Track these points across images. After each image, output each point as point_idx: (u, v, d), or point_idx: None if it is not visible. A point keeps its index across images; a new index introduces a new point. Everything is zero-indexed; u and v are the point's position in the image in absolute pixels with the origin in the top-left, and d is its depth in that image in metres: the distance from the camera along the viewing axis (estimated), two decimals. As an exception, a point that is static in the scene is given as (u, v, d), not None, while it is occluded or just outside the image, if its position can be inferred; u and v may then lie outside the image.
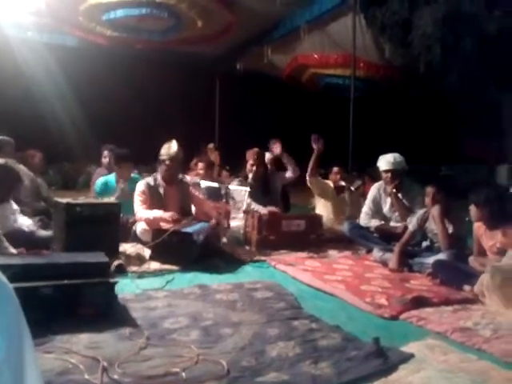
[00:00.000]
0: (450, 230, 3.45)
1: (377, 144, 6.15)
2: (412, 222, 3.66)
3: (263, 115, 11.65)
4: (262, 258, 3.84)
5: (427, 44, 6.54)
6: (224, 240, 4.08)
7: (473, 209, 3.16)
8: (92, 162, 8.84)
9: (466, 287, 2.90)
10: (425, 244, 3.74)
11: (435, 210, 3.47)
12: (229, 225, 4.30)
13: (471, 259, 3.22)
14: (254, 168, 4.62)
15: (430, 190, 3.57)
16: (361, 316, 2.53)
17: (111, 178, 4.69)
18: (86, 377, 1.66)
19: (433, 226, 3.58)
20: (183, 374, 1.70)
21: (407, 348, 2.03)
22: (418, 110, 10.96)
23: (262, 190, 4.60)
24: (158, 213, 3.86)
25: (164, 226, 3.72)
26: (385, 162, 4.15)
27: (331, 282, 3.10)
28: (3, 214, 3.40)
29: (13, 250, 2.90)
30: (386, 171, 4.15)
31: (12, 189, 3.44)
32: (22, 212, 3.96)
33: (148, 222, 3.86)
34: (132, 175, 4.70)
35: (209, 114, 9.92)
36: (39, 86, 8.32)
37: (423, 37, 6.50)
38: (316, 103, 11.32)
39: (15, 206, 3.68)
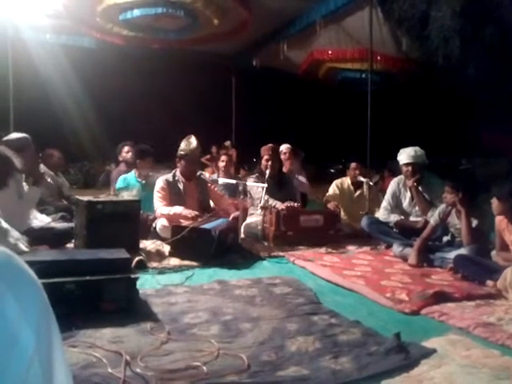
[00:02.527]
0: (474, 224, 3.40)
1: (395, 138, 6.08)
2: (434, 217, 3.61)
3: (280, 111, 11.63)
4: (281, 253, 3.84)
5: (445, 36, 6.43)
6: (242, 236, 4.09)
7: (495, 202, 3.10)
8: (111, 160, 8.97)
9: (489, 282, 2.85)
10: (446, 239, 3.69)
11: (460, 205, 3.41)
12: (243, 220, 4.31)
13: (494, 254, 3.16)
14: (269, 163, 4.63)
15: (449, 189, 3.49)
16: (381, 311, 2.51)
17: (131, 175, 4.76)
18: (110, 370, 1.69)
19: (456, 220, 3.53)
20: (204, 368, 1.72)
21: (429, 343, 2.00)
22: (437, 102, 10.79)
23: (278, 186, 4.61)
24: (177, 209, 3.91)
25: (183, 222, 3.76)
26: (405, 155, 4.10)
27: (350, 278, 3.08)
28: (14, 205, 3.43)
29: (23, 247, 2.94)
30: (407, 165, 4.09)
31: (8, 175, 3.49)
32: (45, 211, 4.05)
33: (168, 217, 3.91)
34: (150, 173, 4.76)
35: (225, 111, 9.94)
36: (57, 87, 8.46)
37: (441, 29, 6.39)
38: (333, 98, 11.24)
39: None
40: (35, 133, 3.68)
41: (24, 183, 3.58)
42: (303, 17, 6.75)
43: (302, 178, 5.38)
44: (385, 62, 7.83)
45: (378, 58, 7.40)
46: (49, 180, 4.16)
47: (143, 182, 4.67)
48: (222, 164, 5.25)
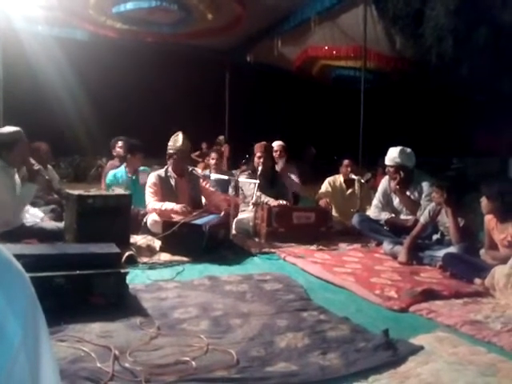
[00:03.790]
0: (462, 223, 3.43)
1: (388, 136, 6.10)
2: (424, 215, 3.63)
3: (273, 108, 11.62)
4: (272, 250, 3.85)
5: (439, 35, 6.45)
6: (233, 232, 4.10)
7: (484, 201, 3.13)
8: (102, 154, 8.92)
9: (477, 280, 2.88)
10: (435, 237, 3.72)
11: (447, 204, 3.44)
12: (236, 216, 4.31)
13: (482, 252, 3.19)
14: (262, 161, 4.63)
15: (436, 188, 3.52)
16: (370, 308, 2.53)
17: (121, 170, 4.75)
18: (98, 365, 1.69)
19: (445, 219, 3.55)
20: (193, 363, 1.73)
21: (416, 340, 2.02)
22: (430, 101, 10.84)
23: (270, 183, 4.62)
24: (169, 205, 3.91)
25: (175, 217, 3.76)
26: (388, 157, 4.09)
27: (341, 275, 3.10)
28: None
29: None
30: (390, 166, 4.10)
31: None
32: (35, 204, 4.02)
33: (159, 212, 3.90)
34: (141, 168, 4.75)
35: (219, 106, 9.91)
36: (49, 80, 8.37)
37: (435, 28, 6.41)
38: (326, 95, 11.25)
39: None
40: (25, 125, 3.62)
41: (16, 177, 3.54)
42: (298, 13, 6.74)
43: (295, 177, 5.39)
44: (378, 61, 7.86)
45: (372, 56, 7.42)
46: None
47: (133, 177, 4.66)
48: (212, 161, 5.34)
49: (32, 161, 3.70)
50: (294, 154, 6.89)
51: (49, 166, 4.81)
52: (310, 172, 7.48)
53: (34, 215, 3.79)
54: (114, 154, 5.56)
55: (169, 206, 3.91)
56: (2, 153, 3.44)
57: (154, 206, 3.97)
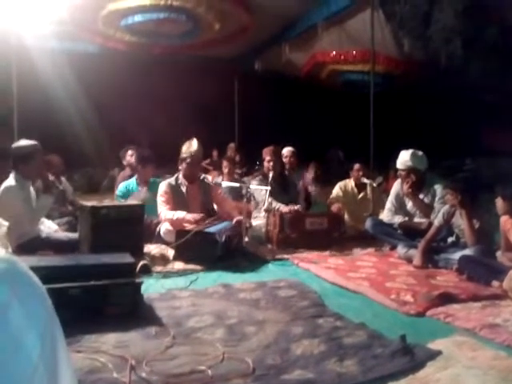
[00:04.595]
0: (477, 225, 3.38)
1: (399, 139, 6.06)
2: (438, 218, 3.59)
3: (283, 114, 11.62)
4: (285, 256, 3.84)
5: (447, 37, 6.42)
6: (246, 239, 4.10)
7: (499, 202, 3.09)
8: (114, 166, 9.00)
9: (495, 283, 2.84)
10: (450, 239, 3.68)
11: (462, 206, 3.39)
12: (250, 224, 4.32)
13: (499, 254, 3.15)
14: (271, 165, 4.63)
15: (449, 190, 3.48)
16: (386, 313, 2.50)
17: (132, 182, 4.78)
18: (115, 375, 1.69)
19: (460, 221, 3.51)
20: (209, 372, 1.72)
21: (434, 345, 1.99)
22: (440, 103, 10.76)
23: (281, 188, 4.62)
24: (181, 214, 3.92)
25: (187, 226, 3.77)
26: (400, 160, 4.06)
27: (355, 280, 3.08)
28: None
29: None
30: (401, 170, 4.07)
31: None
32: (49, 216, 4.07)
33: (172, 222, 3.92)
34: (152, 179, 4.77)
35: (229, 115, 9.95)
36: (61, 94, 8.50)
37: (443, 30, 6.38)
38: (336, 100, 11.23)
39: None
40: (38, 138, 3.67)
41: (31, 190, 3.60)
42: (304, 19, 6.76)
43: (311, 187, 5.39)
44: (387, 64, 7.84)
45: (381, 59, 7.40)
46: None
47: (144, 188, 4.66)
48: (225, 170, 5.38)
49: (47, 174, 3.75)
50: (320, 157, 6.79)
51: (62, 178, 4.88)
52: (336, 174, 7.29)
53: (48, 227, 3.83)
54: (125, 163, 5.60)
55: (181, 215, 3.93)
56: (18, 166, 3.49)
57: (166, 216, 3.99)
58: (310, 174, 5.71)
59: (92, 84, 9.01)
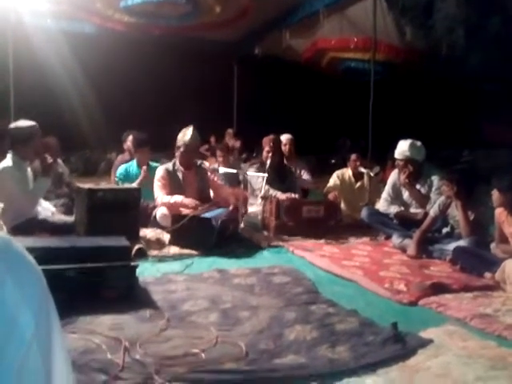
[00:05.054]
0: (472, 216, 3.40)
1: (398, 128, 6.05)
2: (433, 208, 3.60)
3: (282, 100, 11.56)
4: (280, 243, 3.85)
5: (450, 26, 6.36)
6: (242, 225, 4.11)
7: (495, 194, 3.10)
8: (112, 148, 8.96)
9: (487, 274, 2.86)
10: (445, 230, 3.70)
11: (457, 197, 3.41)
12: (246, 210, 4.32)
13: (493, 246, 3.17)
14: (271, 155, 4.62)
15: (445, 182, 3.49)
16: (379, 302, 2.53)
17: (132, 164, 4.77)
18: (109, 356, 1.71)
19: (455, 212, 3.52)
20: (202, 355, 1.74)
21: (426, 334, 2.02)
22: (440, 93, 10.71)
23: (278, 177, 4.61)
24: (178, 198, 3.93)
25: (184, 211, 3.77)
26: (398, 150, 4.05)
27: (349, 268, 3.10)
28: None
29: None
30: (399, 160, 4.07)
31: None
32: (46, 198, 4.06)
33: (169, 205, 3.92)
34: (151, 163, 4.76)
35: (227, 99, 9.88)
36: (57, 74, 8.40)
37: (445, 18, 6.32)
38: (336, 88, 11.17)
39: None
40: (35, 120, 3.61)
41: (29, 171, 3.58)
42: (306, 5, 6.68)
43: (306, 175, 5.34)
44: (388, 52, 7.77)
45: (382, 47, 7.34)
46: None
47: (145, 169, 4.65)
48: (220, 159, 5.40)
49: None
50: (330, 148, 6.75)
51: (59, 160, 4.85)
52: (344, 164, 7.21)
53: (45, 209, 3.83)
54: (125, 147, 5.58)
55: (178, 199, 3.93)
56: (16, 146, 3.46)
57: (163, 200, 3.99)
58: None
59: (89, 65, 8.92)
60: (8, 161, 3.44)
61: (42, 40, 7.02)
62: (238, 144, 8.33)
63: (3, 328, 0.49)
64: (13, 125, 3.56)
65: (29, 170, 3.59)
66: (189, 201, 3.89)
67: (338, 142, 7.24)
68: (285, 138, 5.53)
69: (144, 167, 4.51)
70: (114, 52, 8.98)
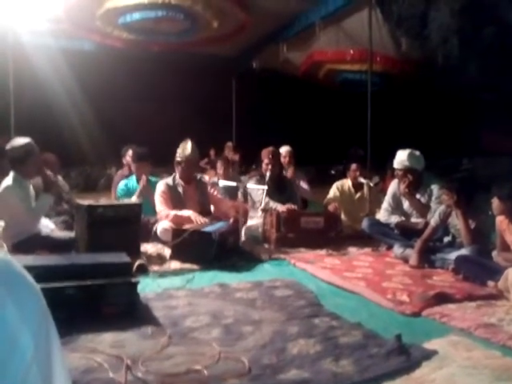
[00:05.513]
0: (473, 225, 3.39)
1: (396, 139, 6.07)
2: (434, 218, 3.60)
3: (280, 113, 11.63)
4: (281, 255, 3.84)
5: (445, 36, 6.44)
6: (243, 239, 4.10)
7: (496, 202, 3.10)
8: (112, 164, 8.99)
9: (490, 283, 2.85)
10: (446, 239, 3.69)
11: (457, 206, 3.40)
12: (245, 223, 4.31)
13: (495, 254, 3.16)
14: (270, 167, 4.63)
15: (445, 191, 3.49)
16: (382, 313, 2.51)
17: (131, 179, 4.77)
18: (111, 375, 1.69)
19: (456, 221, 3.52)
20: (205, 372, 1.72)
21: (430, 345, 2.00)
22: (437, 103, 10.78)
23: (278, 189, 4.61)
24: (187, 212, 3.91)
25: (185, 225, 3.77)
26: (397, 160, 4.06)
27: (351, 279, 3.08)
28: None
29: None
30: (398, 170, 4.07)
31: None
32: (46, 215, 4.05)
33: (173, 219, 3.90)
34: (150, 178, 4.76)
35: (226, 113, 9.95)
36: (57, 92, 8.49)
37: (440, 29, 6.40)
38: (333, 99, 11.25)
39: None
40: (34, 137, 3.63)
41: (31, 189, 3.59)
42: (302, 18, 6.76)
43: (305, 185, 5.36)
44: (384, 63, 7.84)
45: (378, 58, 7.40)
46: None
47: (144, 183, 4.65)
48: (220, 172, 5.44)
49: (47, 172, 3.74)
50: (343, 155, 6.72)
51: (59, 177, 4.86)
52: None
53: (45, 226, 3.82)
54: (124, 162, 5.60)
55: (185, 213, 3.93)
56: (15, 166, 3.48)
57: (167, 213, 3.98)
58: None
59: (89, 82, 9.00)
60: (9, 179, 3.46)
61: (41, 58, 7.09)
62: (237, 157, 8.36)
63: (4, 349, 0.49)
64: (8, 145, 3.54)
65: (31, 187, 3.60)
66: (197, 217, 3.88)
67: (349, 152, 7.26)
68: (284, 150, 5.55)
69: (144, 177, 4.52)
70: (113, 69, 9.07)
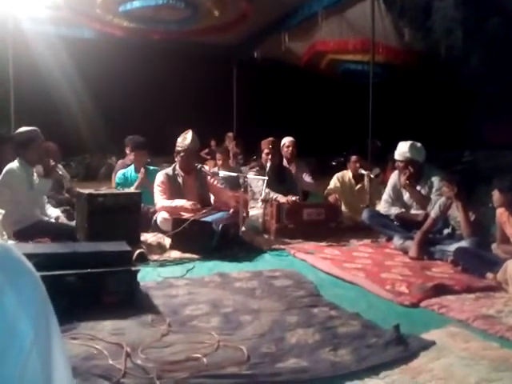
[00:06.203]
0: (473, 217, 3.39)
1: (397, 130, 6.05)
2: (434, 209, 3.60)
3: (281, 103, 11.58)
4: (281, 246, 3.85)
5: (448, 27, 6.38)
6: (243, 229, 4.10)
7: (496, 194, 3.09)
8: (112, 153, 8.98)
9: (489, 275, 2.86)
10: (446, 231, 3.69)
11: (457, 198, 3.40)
12: (247, 214, 4.32)
13: (494, 246, 3.16)
14: (270, 157, 4.62)
15: (446, 183, 3.48)
16: (381, 304, 2.52)
17: (130, 169, 4.77)
18: (110, 362, 1.70)
19: (456, 213, 3.52)
20: (204, 360, 1.74)
21: (428, 335, 2.01)
22: (440, 94, 10.73)
23: (278, 179, 4.61)
24: (179, 202, 3.92)
25: (184, 215, 3.77)
26: (398, 151, 4.05)
27: (351, 270, 3.09)
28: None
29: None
30: (399, 161, 4.06)
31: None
32: (46, 204, 4.07)
33: (169, 210, 3.92)
34: (149, 167, 4.76)
35: (227, 103, 9.91)
36: (57, 79, 8.44)
37: (444, 20, 6.34)
38: (335, 90, 11.19)
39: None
40: (35, 125, 3.73)
41: (35, 175, 3.64)
42: (305, 8, 6.69)
43: (308, 177, 5.29)
44: (387, 54, 7.77)
45: (380, 49, 7.35)
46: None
47: (142, 171, 4.66)
48: (219, 163, 5.44)
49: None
50: (330, 149, 6.70)
51: (59, 166, 4.86)
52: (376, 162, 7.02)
53: (50, 214, 3.88)
54: (127, 151, 5.59)
55: (179, 202, 3.93)
56: (20, 151, 3.59)
57: (163, 204, 3.99)
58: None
59: (89, 70, 8.95)
60: (15, 163, 3.57)
61: (41, 46, 7.04)
62: (238, 147, 8.34)
63: (4, 336, 0.49)
64: (15, 132, 3.76)
65: (35, 174, 3.65)
66: (190, 204, 3.89)
67: (366, 143, 7.27)
68: (287, 140, 5.51)
69: (142, 170, 4.52)
70: (113, 57, 9.01)
